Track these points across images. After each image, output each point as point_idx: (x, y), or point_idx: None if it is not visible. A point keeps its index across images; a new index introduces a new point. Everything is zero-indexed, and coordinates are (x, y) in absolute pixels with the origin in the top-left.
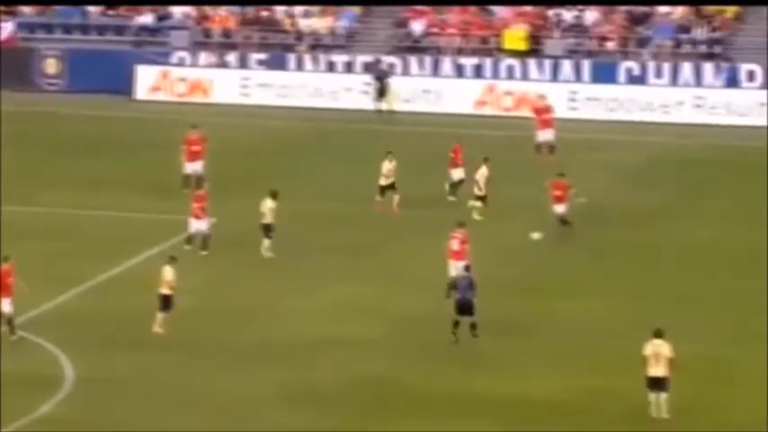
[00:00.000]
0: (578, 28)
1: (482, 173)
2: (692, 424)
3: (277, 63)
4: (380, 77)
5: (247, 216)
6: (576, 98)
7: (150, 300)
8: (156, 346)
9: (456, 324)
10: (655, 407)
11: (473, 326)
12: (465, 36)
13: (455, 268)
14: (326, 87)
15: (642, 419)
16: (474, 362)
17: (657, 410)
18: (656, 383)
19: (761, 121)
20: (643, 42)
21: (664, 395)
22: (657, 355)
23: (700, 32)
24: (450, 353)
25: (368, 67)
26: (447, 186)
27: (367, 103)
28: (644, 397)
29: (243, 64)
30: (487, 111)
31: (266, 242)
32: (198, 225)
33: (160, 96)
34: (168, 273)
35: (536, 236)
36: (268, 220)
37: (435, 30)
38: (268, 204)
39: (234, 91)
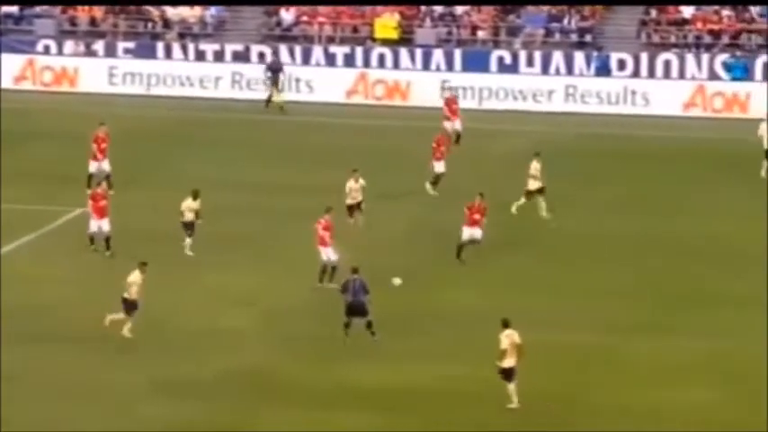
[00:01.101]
0: (449, 17)
1: (535, 167)
2: (565, 411)
3: (145, 52)
4: (276, 69)
5: (117, 209)
6: (448, 87)
7: (22, 293)
8: (28, 341)
9: (347, 325)
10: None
11: (369, 324)
12: (335, 25)
13: (325, 254)
14: (195, 76)
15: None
16: (350, 352)
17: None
18: (510, 374)
19: (631, 110)
20: (514, 31)
21: (513, 385)
22: (513, 345)
23: (570, 21)
24: (326, 343)
25: (237, 56)
26: (428, 183)
27: (236, 92)
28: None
29: (110, 53)
30: (359, 100)
31: (188, 240)
32: (100, 224)
33: (26, 86)
34: (135, 278)
35: (397, 281)
36: (187, 218)
37: (305, 18)
38: (188, 204)
39: (101, 80)
